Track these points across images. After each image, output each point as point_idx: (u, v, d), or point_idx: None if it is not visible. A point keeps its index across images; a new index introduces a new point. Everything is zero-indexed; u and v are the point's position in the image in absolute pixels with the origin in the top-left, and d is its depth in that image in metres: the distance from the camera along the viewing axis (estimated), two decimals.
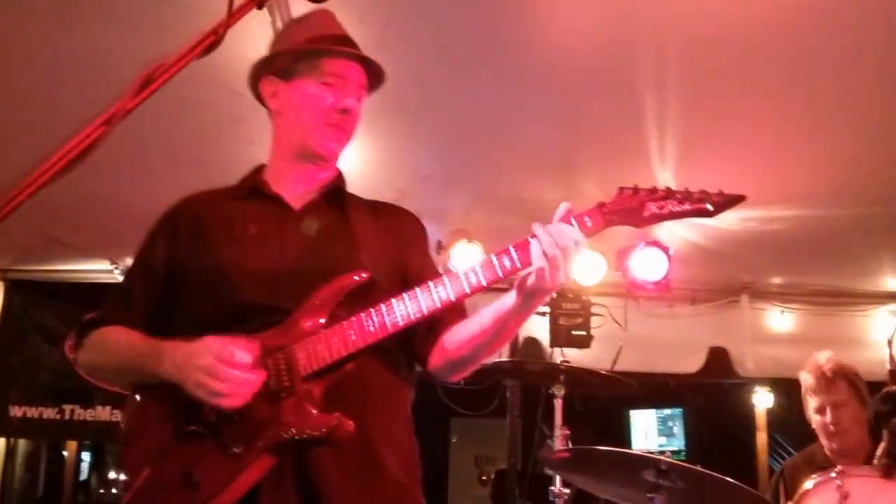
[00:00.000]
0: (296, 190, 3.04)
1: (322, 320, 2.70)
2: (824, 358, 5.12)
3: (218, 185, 5.81)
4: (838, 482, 4.16)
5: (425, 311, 2.67)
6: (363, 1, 4.78)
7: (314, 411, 2.63)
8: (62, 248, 7.36)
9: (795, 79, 5.06)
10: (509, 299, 2.69)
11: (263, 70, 3.09)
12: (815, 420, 5.11)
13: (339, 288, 2.74)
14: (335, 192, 3.09)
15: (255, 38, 4.88)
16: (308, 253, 2.91)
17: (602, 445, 4.49)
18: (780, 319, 7.98)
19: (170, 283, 2.96)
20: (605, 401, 9.85)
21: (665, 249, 6.48)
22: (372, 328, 2.65)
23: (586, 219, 2.69)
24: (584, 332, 6.67)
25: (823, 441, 5.06)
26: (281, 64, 3.04)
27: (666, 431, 10.97)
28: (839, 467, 4.26)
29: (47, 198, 5.16)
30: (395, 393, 2.96)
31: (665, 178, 6.01)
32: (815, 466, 4.86)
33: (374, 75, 3.08)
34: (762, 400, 10.90)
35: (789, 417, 10.95)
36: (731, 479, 4.15)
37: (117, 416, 7.60)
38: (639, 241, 6.51)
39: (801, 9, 4.55)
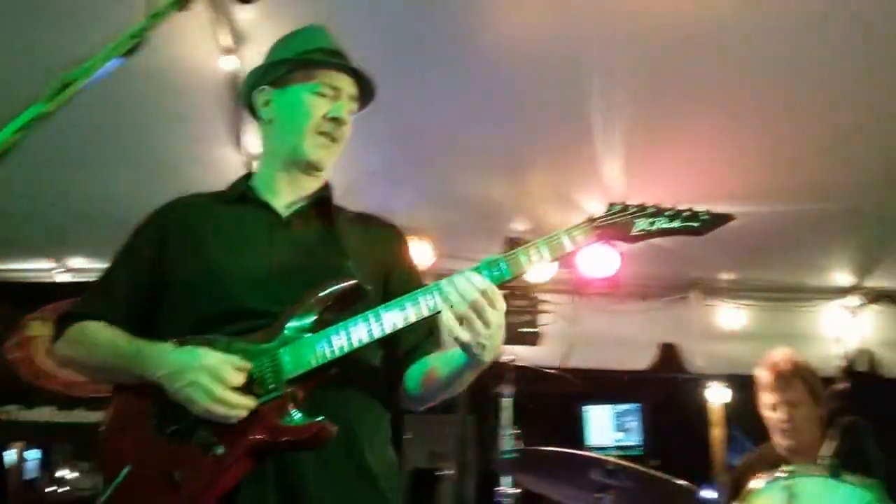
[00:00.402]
0: (284, 198, 3.11)
1: (308, 324, 2.72)
2: (780, 355, 5.16)
3: (161, 183, 5.81)
4: (786, 482, 4.18)
5: (412, 319, 2.67)
6: (306, 2, 4.76)
7: (298, 415, 2.64)
8: (3, 247, 7.32)
9: (742, 77, 5.09)
10: (460, 356, 2.67)
11: (257, 80, 3.14)
12: (768, 416, 5.13)
13: (325, 293, 2.76)
14: (322, 202, 3.14)
15: (197, 37, 4.87)
16: (295, 258, 2.95)
17: (556, 441, 4.51)
18: (730, 315, 7.99)
19: (154, 282, 2.97)
20: (558, 396, 9.87)
21: (614, 246, 6.45)
22: (358, 334, 2.67)
23: (576, 232, 2.71)
24: (532, 329, 6.66)
25: (776, 439, 5.06)
26: (275, 74, 3.11)
27: (622, 427, 10.98)
28: (788, 467, 4.28)
29: None
30: (378, 403, 2.99)
31: (613, 174, 6.04)
32: (769, 464, 4.86)
33: (365, 89, 3.16)
34: (718, 395, 10.95)
35: (746, 412, 11.02)
36: (676, 480, 4.17)
37: (62, 416, 7.58)
38: None
39: (749, 8, 4.60)
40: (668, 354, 8.13)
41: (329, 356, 2.66)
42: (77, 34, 4.21)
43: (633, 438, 10.86)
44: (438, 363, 2.88)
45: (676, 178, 6.16)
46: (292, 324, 2.73)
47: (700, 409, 11.25)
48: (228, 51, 4.95)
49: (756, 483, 4.42)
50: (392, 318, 2.66)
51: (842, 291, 7.84)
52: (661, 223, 2.76)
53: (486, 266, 2.63)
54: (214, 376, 2.60)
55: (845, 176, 6.10)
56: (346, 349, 2.66)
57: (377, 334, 2.66)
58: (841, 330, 7.81)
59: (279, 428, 2.62)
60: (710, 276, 7.84)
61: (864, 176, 6.08)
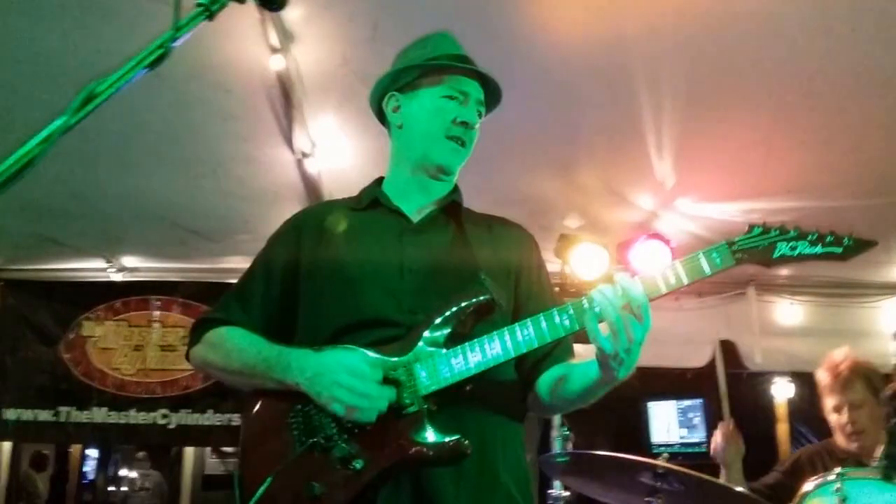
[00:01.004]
0: (415, 202, 3.14)
1: (443, 339, 2.73)
2: (841, 355, 5.10)
3: (209, 182, 5.80)
4: (837, 485, 4.09)
5: (548, 339, 2.66)
6: (352, 1, 4.74)
7: (433, 432, 2.65)
8: (56, 247, 7.34)
9: (795, 69, 5.00)
10: (594, 371, 2.65)
11: (386, 86, 3.19)
12: (832, 419, 5.08)
13: (459, 307, 2.77)
14: (452, 206, 3.16)
15: (245, 37, 4.86)
16: (427, 266, 2.97)
17: (620, 440, 4.45)
18: (788, 311, 7.88)
19: (290, 290, 3.05)
20: (620, 394, 9.77)
21: (667, 241, 6.38)
22: (494, 352, 2.67)
23: (714, 253, 2.62)
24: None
25: (841, 440, 5.00)
26: (404, 80, 3.15)
27: (686, 423, 10.88)
28: (839, 469, 4.19)
29: (40, 198, 5.15)
30: (512, 415, 2.98)
31: (664, 170, 5.99)
32: (835, 459, 4.88)
33: (492, 94, 3.18)
34: (782, 391, 10.84)
35: (810, 409, 10.91)
36: (728, 484, 4.10)
37: (113, 417, 7.62)
38: (640, 234, 6.41)
39: (795, 4, 4.52)
40: (726, 351, 8.02)
41: (465, 373, 2.66)
42: (109, 43, 4.31)
43: (698, 435, 10.75)
44: (572, 375, 2.85)
45: (729, 173, 6.14)
46: (427, 337, 2.73)
47: (765, 404, 11.16)
48: (277, 50, 4.95)
49: (807, 486, 4.34)
50: (528, 338, 2.64)
51: None
52: (804, 248, 2.65)
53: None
54: (354, 373, 2.63)
55: None
56: (482, 367, 2.66)
57: (513, 353, 2.66)
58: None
59: (416, 445, 2.63)
60: (767, 272, 7.69)
61: None
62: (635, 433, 10.94)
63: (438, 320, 2.75)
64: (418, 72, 3.12)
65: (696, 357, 8.14)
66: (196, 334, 3.10)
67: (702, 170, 6.14)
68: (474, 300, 2.76)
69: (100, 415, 7.63)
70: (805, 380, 10.49)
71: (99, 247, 7.53)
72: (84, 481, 14.86)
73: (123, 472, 15.77)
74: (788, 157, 5.88)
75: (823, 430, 5.44)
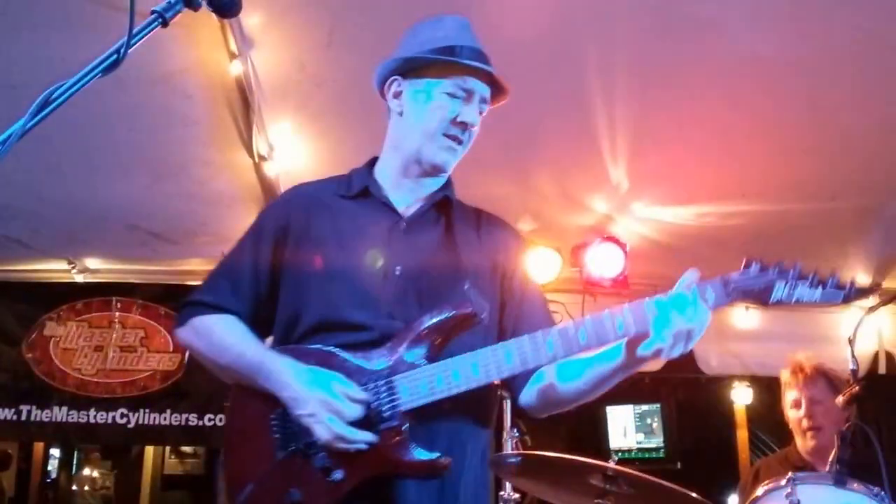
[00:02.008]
0: (406, 196, 3.10)
1: (425, 353, 2.73)
2: (804, 356, 5.24)
3: (171, 184, 5.82)
4: (788, 490, 4.13)
5: (531, 366, 2.70)
6: (309, 6, 4.76)
7: (415, 448, 2.67)
8: (21, 248, 7.36)
9: (752, 72, 5.03)
10: (615, 358, 2.70)
11: (394, 69, 3.12)
12: (790, 416, 5.19)
13: (441, 320, 2.76)
14: (444, 202, 3.13)
15: (205, 42, 4.90)
16: (412, 271, 2.93)
17: (578, 443, 4.48)
18: (743, 316, 7.88)
19: (276, 280, 3.03)
20: None
21: (622, 245, 6.43)
22: (478, 374, 2.68)
23: (708, 291, 2.62)
24: None
25: (798, 440, 5.12)
26: (409, 67, 3.09)
27: (644, 428, 10.90)
28: (790, 474, 4.22)
29: (5, 200, 5.17)
30: (480, 424, 2.98)
31: (618, 174, 6.03)
32: (791, 466, 4.89)
33: (497, 91, 3.15)
34: (741, 396, 10.88)
35: (771, 414, 10.98)
36: (677, 487, 4.13)
37: (73, 416, 7.63)
38: (595, 237, 6.45)
39: (751, 4, 4.59)
40: (681, 355, 7.99)
41: (447, 391, 2.67)
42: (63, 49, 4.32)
43: (655, 441, 10.79)
44: (577, 370, 2.83)
45: (684, 177, 6.20)
46: (409, 349, 2.73)
47: (724, 409, 11.21)
48: (236, 56, 5.00)
49: (758, 491, 4.37)
50: (514, 362, 2.67)
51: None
52: (802, 293, 2.57)
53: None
54: (334, 411, 2.64)
55: (862, 175, 6.04)
56: (463, 387, 2.67)
57: (496, 377, 2.69)
58: (858, 331, 7.63)
59: (398, 461, 2.65)
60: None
61: (881, 175, 6.01)
62: (593, 437, 10.93)
63: (420, 331, 2.75)
64: (428, 62, 3.04)
65: (652, 361, 8.05)
66: (184, 315, 3.07)
67: (656, 173, 6.19)
68: (457, 313, 2.75)
69: (60, 414, 7.62)
70: (764, 385, 10.57)
71: (62, 249, 7.55)
72: (47, 480, 14.79)
73: (87, 471, 15.75)
74: (743, 161, 5.92)
75: (783, 435, 5.50)
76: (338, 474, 2.63)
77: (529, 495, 5.41)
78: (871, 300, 7.00)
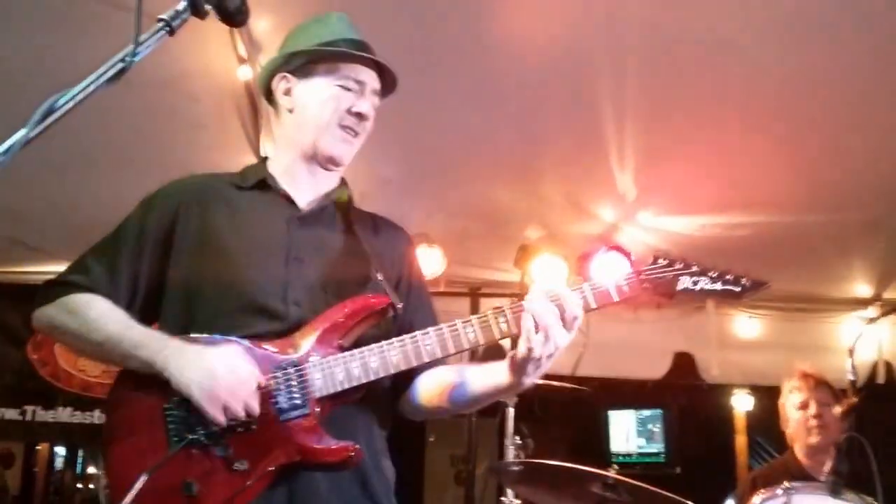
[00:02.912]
0: (303, 191, 3.04)
1: (337, 341, 2.70)
2: (807, 364, 5.37)
3: None
4: (784, 500, 4.17)
5: (452, 350, 2.67)
6: (317, 12, 4.79)
7: (327, 437, 2.62)
8: (26, 250, 7.38)
9: (759, 86, 5.08)
10: (501, 376, 2.66)
11: (278, 67, 3.07)
12: (795, 417, 5.27)
13: (361, 310, 2.76)
14: (342, 202, 3.10)
15: (213, 47, 4.93)
16: (315, 260, 2.90)
17: (580, 447, 4.50)
18: (746, 325, 7.94)
19: (161, 265, 2.90)
20: (581, 402, 9.85)
21: (627, 254, 6.44)
22: (395, 360, 2.66)
23: (623, 283, 2.68)
24: None
25: (800, 441, 5.20)
26: (298, 63, 3.03)
27: (646, 434, 10.92)
28: (786, 484, 4.26)
29: (11, 202, 5.17)
30: (383, 422, 2.96)
31: (625, 183, 6.07)
32: (789, 475, 4.86)
33: (387, 82, 3.11)
34: (741, 403, 10.91)
35: (771, 420, 10.98)
36: (674, 496, 4.15)
37: (78, 417, 7.67)
38: (600, 246, 6.47)
39: (766, 15, 4.61)
40: (683, 363, 8.10)
41: (362, 379, 2.65)
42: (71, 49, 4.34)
43: (656, 446, 10.80)
44: (467, 380, 2.82)
45: (690, 188, 6.24)
46: (321, 337, 2.70)
47: (724, 416, 11.23)
48: (245, 60, 5.04)
49: (755, 500, 4.40)
50: (431, 348, 2.66)
51: (861, 303, 7.75)
52: (705, 284, 2.72)
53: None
54: (227, 381, 2.55)
55: (866, 187, 6.08)
56: (381, 374, 2.65)
57: (414, 362, 2.67)
58: (859, 341, 7.64)
59: (308, 449, 2.60)
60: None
61: (884, 188, 6.04)
62: (595, 442, 10.95)
63: (334, 319, 2.71)
64: (315, 56, 3.01)
65: (653, 368, 8.19)
66: (50, 294, 2.91)
67: (663, 184, 6.22)
68: (375, 303, 2.76)
69: (65, 414, 7.68)
70: (764, 393, 10.57)
71: (68, 251, 7.32)
72: (52, 479, 14.87)
73: (92, 469, 15.80)
74: (748, 173, 5.95)
75: (782, 442, 5.52)
76: (242, 464, 2.56)
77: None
78: (872, 311, 7.08)
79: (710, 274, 2.72)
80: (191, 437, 2.58)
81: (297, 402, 2.62)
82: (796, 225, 6.49)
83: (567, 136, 5.74)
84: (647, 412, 10.83)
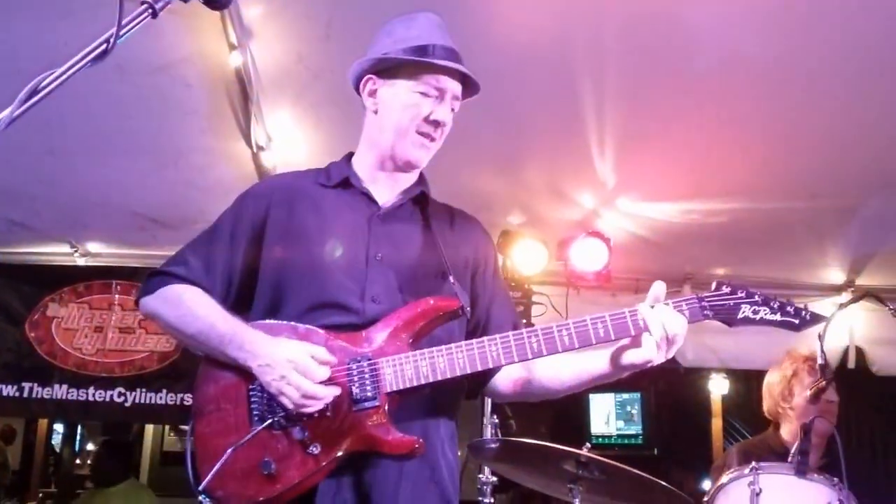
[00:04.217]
0: (383, 189, 3.18)
1: (408, 339, 2.84)
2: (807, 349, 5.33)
3: (171, 171, 5.94)
4: (750, 479, 4.29)
5: (516, 359, 2.82)
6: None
7: (395, 429, 2.75)
8: (23, 231, 7.48)
9: (734, 74, 5.16)
10: (599, 365, 2.89)
11: (367, 68, 3.19)
12: (810, 401, 5.09)
13: (432, 311, 2.88)
14: (420, 197, 3.24)
15: (205, 33, 5.02)
16: (394, 258, 3.04)
17: (561, 429, 4.61)
18: None
19: (253, 261, 3.08)
20: None
21: (606, 240, 6.54)
22: (462, 362, 2.80)
23: (684, 307, 2.81)
24: (524, 321, 6.72)
25: (797, 423, 5.09)
26: (384, 65, 3.15)
27: (624, 416, 11.09)
28: (754, 464, 4.37)
29: (10, 184, 5.27)
30: (453, 410, 3.12)
31: (605, 171, 6.14)
32: (772, 452, 5.05)
33: (469, 87, 3.22)
34: (718, 386, 11.04)
35: (746, 404, 11.15)
36: (643, 474, 4.28)
37: (73, 394, 7.75)
38: (580, 231, 6.58)
39: (742, 4, 4.70)
40: None
41: (429, 378, 2.78)
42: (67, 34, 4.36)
43: (634, 428, 10.97)
44: (557, 371, 3.02)
45: (668, 174, 6.30)
46: (394, 333, 2.83)
47: (701, 399, 11.37)
48: (236, 46, 5.09)
49: (723, 479, 4.50)
50: (497, 355, 2.80)
51: (834, 289, 7.83)
52: (765, 314, 2.83)
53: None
54: (300, 370, 2.71)
55: (840, 176, 6.16)
56: (448, 375, 2.79)
57: (480, 368, 2.80)
58: (832, 327, 7.66)
59: (376, 440, 2.73)
60: (703, 271, 7.75)
61: (859, 176, 6.14)
62: (576, 424, 11.11)
63: (406, 318, 2.85)
64: (400, 62, 3.10)
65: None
66: (151, 285, 3.09)
67: (642, 170, 6.30)
68: (446, 305, 2.88)
69: (61, 392, 7.76)
70: (740, 376, 10.75)
71: (65, 232, 7.66)
72: (51, 455, 15.01)
73: (91, 446, 15.93)
74: (726, 160, 6.04)
75: (756, 425, 5.60)
76: (316, 448, 2.70)
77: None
78: (845, 297, 7.19)
79: (771, 304, 2.83)
80: (271, 418, 2.76)
81: (369, 394, 2.76)
82: (772, 212, 6.59)
83: (548, 125, 5.81)
84: (625, 395, 11.02)
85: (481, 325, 3.15)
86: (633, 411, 11.01)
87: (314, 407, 2.72)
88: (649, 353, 2.73)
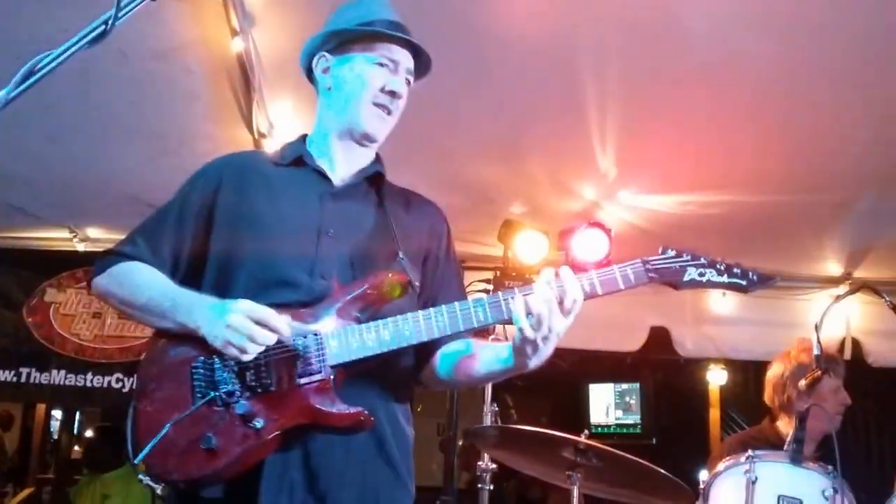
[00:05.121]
0: (338, 167, 3.16)
1: (355, 313, 2.82)
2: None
3: (172, 158, 5.95)
4: (746, 467, 4.32)
5: (461, 329, 2.79)
6: None
7: (340, 402, 2.73)
8: (22, 216, 7.47)
9: (734, 69, 5.17)
10: (506, 358, 2.79)
11: (317, 46, 3.20)
12: (832, 398, 5.15)
13: (379, 286, 2.86)
14: (375, 177, 3.21)
15: (207, 19, 5.02)
16: (345, 235, 3.02)
17: (561, 418, 4.63)
18: (720, 301, 8.04)
19: (201, 240, 3.06)
20: (564, 376, 10.01)
21: (607, 231, 6.55)
22: (407, 333, 2.77)
23: (629, 271, 2.77)
24: None
25: (822, 425, 4.97)
26: (336, 42, 3.16)
27: (623, 405, 11.14)
28: (750, 452, 4.40)
29: (8, 168, 5.25)
30: (404, 385, 3.10)
31: (606, 163, 6.17)
32: (768, 443, 5.04)
33: (422, 64, 3.23)
34: (715, 377, 11.09)
35: (744, 394, 11.21)
36: (641, 460, 4.32)
37: (71, 380, 7.79)
38: (581, 222, 6.59)
39: (738, 2, 4.71)
40: (659, 337, 8.24)
41: (375, 349, 2.76)
42: (69, 20, 4.42)
43: (632, 417, 11.03)
44: (481, 356, 2.97)
45: (668, 166, 6.32)
46: (341, 308, 2.81)
47: (699, 390, 11.42)
48: (238, 33, 5.07)
49: (720, 467, 4.53)
50: (442, 326, 2.78)
51: (831, 281, 7.88)
52: (711, 276, 2.82)
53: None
54: (251, 315, 2.68)
55: (838, 170, 6.19)
56: (392, 346, 2.77)
57: (425, 337, 2.78)
58: (829, 318, 7.68)
59: (321, 412, 2.71)
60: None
61: (856, 170, 6.16)
62: (576, 413, 11.16)
63: (354, 293, 2.83)
64: (352, 36, 3.12)
65: (630, 342, 8.33)
66: (101, 265, 3.08)
67: (643, 163, 6.32)
68: (394, 279, 2.85)
69: (59, 377, 7.80)
70: (737, 367, 10.80)
71: (64, 217, 7.68)
72: (49, 441, 15.03)
73: (89, 433, 15.95)
74: (723, 154, 6.06)
75: (752, 415, 5.62)
76: (259, 422, 2.68)
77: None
78: (842, 289, 7.21)
79: (717, 266, 2.82)
80: (213, 393, 2.73)
81: (314, 367, 2.74)
82: (770, 205, 6.63)
83: (551, 117, 5.81)
84: (625, 385, 11.08)
85: (430, 307, 3.02)
86: (632, 401, 11.07)
87: (266, 342, 2.71)
88: (523, 331, 2.62)
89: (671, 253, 2.80)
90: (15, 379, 7.82)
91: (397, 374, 3.02)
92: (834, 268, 7.87)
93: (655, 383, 11.36)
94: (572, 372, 8.10)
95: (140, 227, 3.18)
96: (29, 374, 7.83)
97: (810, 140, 5.86)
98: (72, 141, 6.27)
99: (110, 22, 1.88)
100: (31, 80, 1.80)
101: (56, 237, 7.92)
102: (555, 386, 11.14)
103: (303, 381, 2.74)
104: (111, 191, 6.96)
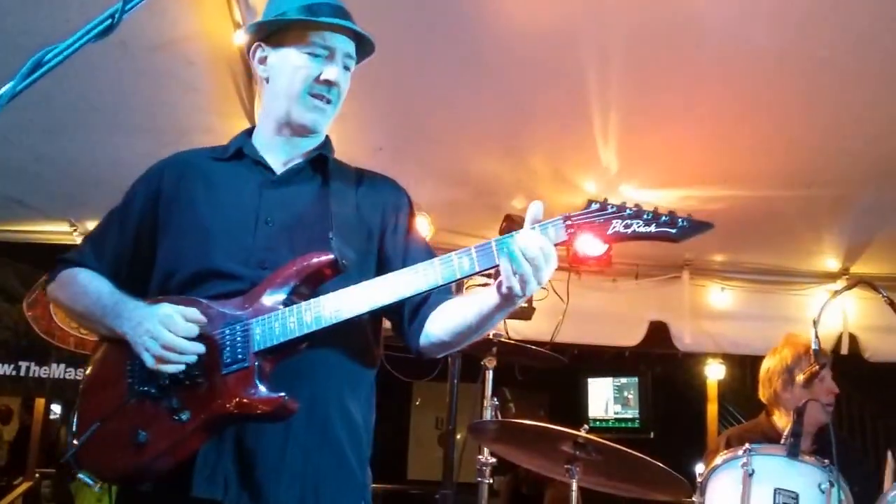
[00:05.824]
0: (281, 156, 3.09)
1: (282, 297, 2.75)
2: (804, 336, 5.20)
3: (172, 150, 5.95)
4: (744, 460, 4.33)
5: (388, 302, 2.70)
6: None
7: (261, 387, 2.66)
8: (22, 209, 7.46)
9: (735, 65, 5.17)
10: (491, 298, 2.68)
11: (254, 36, 3.11)
12: (820, 388, 5.11)
13: (301, 267, 2.78)
14: (319, 159, 3.11)
15: (209, 11, 5.02)
16: (283, 222, 2.96)
17: (560, 413, 4.64)
18: (718, 296, 8.09)
19: (145, 240, 3.03)
20: (563, 369, 10.03)
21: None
22: (328, 313, 2.69)
23: (550, 229, 2.62)
24: (526, 305, 6.74)
25: (816, 411, 4.85)
26: (270, 30, 3.06)
27: (622, 400, 11.16)
28: (747, 445, 4.42)
29: (7, 161, 5.22)
30: (356, 368, 2.99)
31: (608, 156, 6.16)
32: (764, 437, 5.03)
33: (362, 45, 3.11)
34: (714, 372, 11.12)
35: (741, 389, 11.24)
36: (639, 454, 4.34)
37: (71, 373, 7.80)
38: None
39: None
40: (658, 332, 8.24)
41: (297, 332, 2.68)
42: (82, 15, 4.41)
43: (631, 412, 11.04)
44: (461, 311, 2.84)
45: (669, 161, 6.33)
46: (269, 294, 2.75)
47: (697, 384, 11.44)
48: (240, 25, 5.03)
49: (717, 461, 4.54)
50: (367, 299, 2.69)
51: (829, 276, 7.90)
52: (637, 227, 2.58)
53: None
54: (167, 325, 2.67)
55: (836, 166, 6.20)
56: (314, 327, 2.68)
57: (347, 315, 2.69)
58: (827, 314, 7.69)
59: (242, 401, 2.65)
60: (702, 258, 7.91)
61: (854, 166, 6.17)
62: (574, 407, 11.19)
63: (282, 277, 2.78)
64: (285, 24, 3.02)
65: (629, 337, 8.30)
66: (52, 273, 3.12)
67: (644, 157, 6.34)
68: (317, 260, 2.77)
69: (58, 371, 7.84)
70: (735, 362, 10.83)
71: (64, 210, 7.64)
72: (48, 434, 15.00)
73: None
74: (725, 149, 6.07)
75: (750, 410, 5.64)
76: (184, 415, 2.66)
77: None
78: (839, 284, 7.21)
79: (644, 216, 2.59)
80: (141, 389, 2.74)
81: (239, 355, 2.70)
82: (769, 200, 6.66)
83: (553, 111, 5.82)
84: (623, 380, 11.09)
85: None
86: (630, 396, 11.07)
87: (175, 362, 2.68)
88: (505, 279, 2.55)
89: (595, 206, 2.62)
90: (14, 372, 7.85)
91: (342, 352, 2.93)
92: (832, 263, 7.89)
93: (654, 378, 11.36)
94: (571, 366, 8.10)
95: (90, 233, 3.26)
96: (28, 368, 7.87)
97: (809, 136, 5.87)
98: (72, 133, 6.25)
99: (117, 15, 1.86)
100: (38, 73, 1.79)
101: (56, 230, 7.88)
102: (553, 380, 11.14)
103: (228, 370, 2.71)
104: (111, 183, 6.76)
